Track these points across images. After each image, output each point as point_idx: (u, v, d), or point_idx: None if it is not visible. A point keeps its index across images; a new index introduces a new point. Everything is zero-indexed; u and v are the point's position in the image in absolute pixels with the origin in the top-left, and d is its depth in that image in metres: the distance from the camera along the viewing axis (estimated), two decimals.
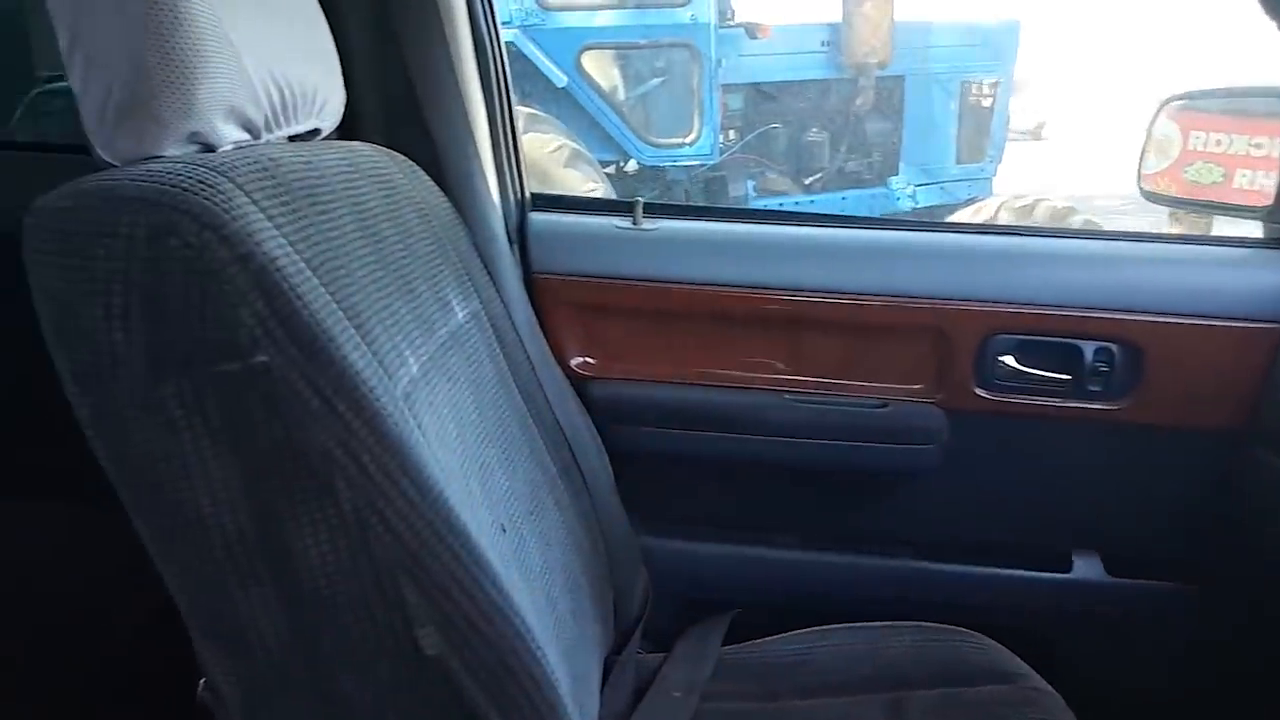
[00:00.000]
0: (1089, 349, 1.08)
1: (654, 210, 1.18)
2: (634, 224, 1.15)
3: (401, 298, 0.71)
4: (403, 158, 0.87)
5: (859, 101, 5.08)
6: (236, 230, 0.52)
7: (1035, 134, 11.15)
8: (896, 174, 5.24)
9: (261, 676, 0.56)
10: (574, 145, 4.45)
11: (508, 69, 1.12)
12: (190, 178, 0.53)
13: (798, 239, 1.15)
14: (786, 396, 1.13)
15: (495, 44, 1.09)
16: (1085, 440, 1.12)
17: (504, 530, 0.76)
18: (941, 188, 5.32)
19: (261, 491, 0.53)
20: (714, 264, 1.12)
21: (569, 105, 4.80)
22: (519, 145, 1.15)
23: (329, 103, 0.76)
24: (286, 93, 0.68)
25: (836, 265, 1.12)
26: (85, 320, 0.50)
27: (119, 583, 1.04)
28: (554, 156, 4.30)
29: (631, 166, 5.22)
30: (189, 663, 0.60)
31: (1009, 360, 1.11)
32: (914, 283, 1.09)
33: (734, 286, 1.11)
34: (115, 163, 0.58)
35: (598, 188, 4.51)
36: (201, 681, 0.60)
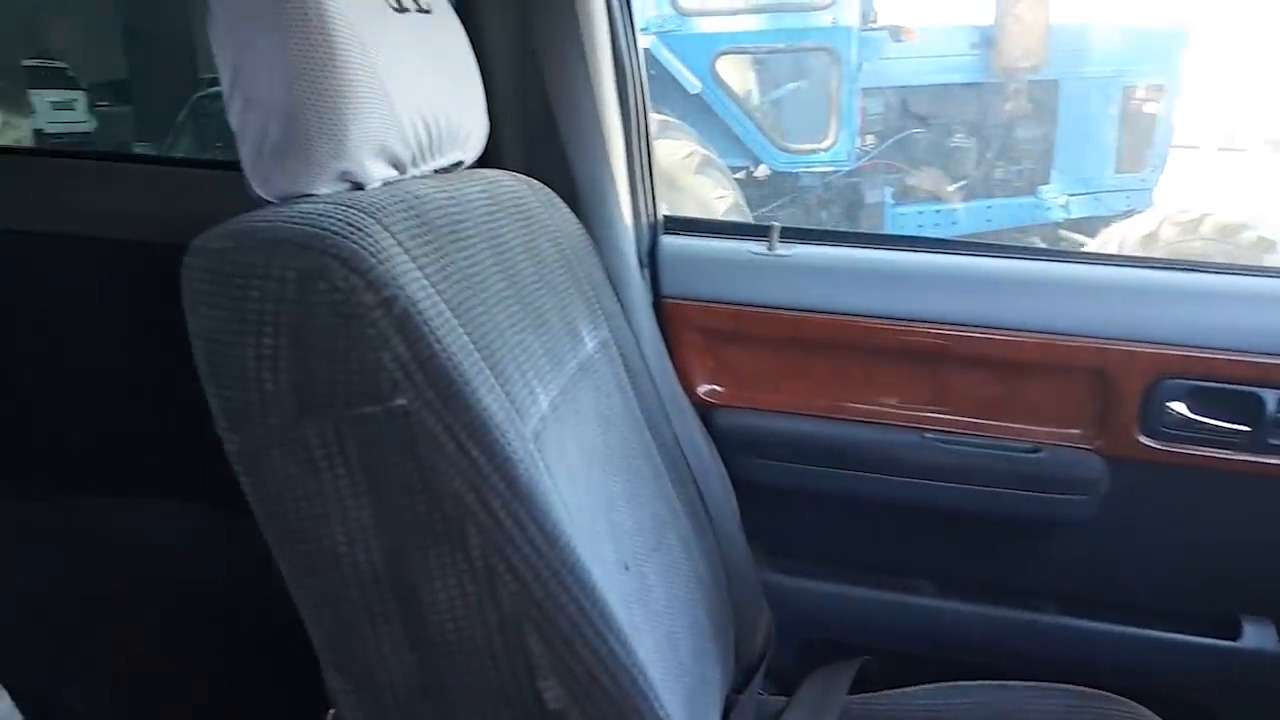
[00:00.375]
0: (1271, 398, 0.99)
1: (790, 235, 1.15)
2: (769, 249, 1.13)
3: (534, 332, 0.71)
4: (540, 185, 0.88)
5: (1009, 106, 4.88)
6: (381, 274, 0.53)
7: (1226, 146, 10.34)
8: (1047, 182, 4.99)
9: (388, 716, 0.57)
10: (704, 152, 4.44)
11: (646, 90, 1.12)
12: (340, 220, 0.54)
13: (946, 268, 1.10)
14: (928, 436, 1.08)
15: (635, 65, 1.09)
16: (1262, 497, 1.02)
17: (627, 569, 0.76)
18: (1096, 198, 5.04)
19: (395, 533, 0.54)
20: (854, 293, 1.09)
21: (701, 111, 4.79)
22: (653, 167, 1.15)
23: (473, 134, 0.78)
24: (433, 128, 0.69)
25: (988, 297, 1.06)
26: (236, 360, 0.52)
27: (255, 591, 1.10)
28: (685, 163, 4.31)
29: (762, 172, 5.17)
30: (315, 684, 0.62)
31: (1179, 407, 1.03)
32: (1075, 319, 1.03)
33: (875, 317, 1.07)
34: (270, 199, 0.61)
35: (727, 195, 4.49)
36: (330, 712, 0.62)
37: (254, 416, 0.53)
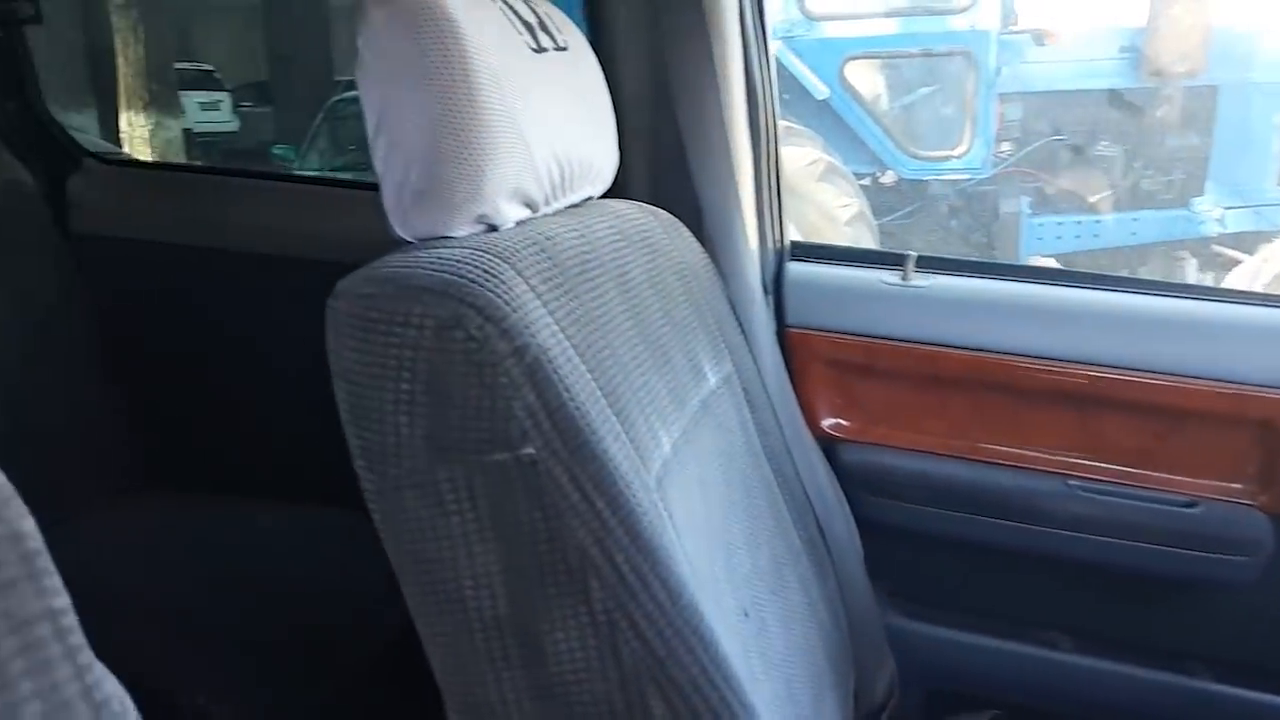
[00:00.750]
0: None
1: (927, 264, 1.11)
2: (903, 279, 1.09)
3: (658, 371, 0.71)
4: (665, 215, 0.88)
5: (1160, 113, 4.61)
6: (515, 323, 0.54)
7: None
8: (1201, 194, 4.70)
9: None
10: (829, 159, 4.36)
11: (777, 111, 1.10)
12: (476, 267, 0.55)
13: (1098, 304, 1.04)
14: (1072, 484, 1.03)
15: (767, 87, 1.07)
16: None
17: (746, 615, 0.75)
18: (1256, 212, 4.71)
19: (519, 580, 0.55)
20: (995, 328, 1.04)
21: (827, 117, 4.71)
22: (781, 191, 1.13)
23: (604, 169, 0.78)
24: (566, 167, 0.70)
25: (1144, 337, 1.00)
26: (375, 403, 0.54)
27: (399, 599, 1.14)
28: (808, 170, 4.24)
29: (889, 179, 5.06)
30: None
31: None
32: (1241, 364, 0.96)
33: (1019, 355, 1.02)
34: (409, 239, 0.63)
35: (852, 203, 4.40)
36: None
37: (389, 458, 0.54)
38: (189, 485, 1.39)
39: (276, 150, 6.29)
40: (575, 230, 0.69)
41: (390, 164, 0.62)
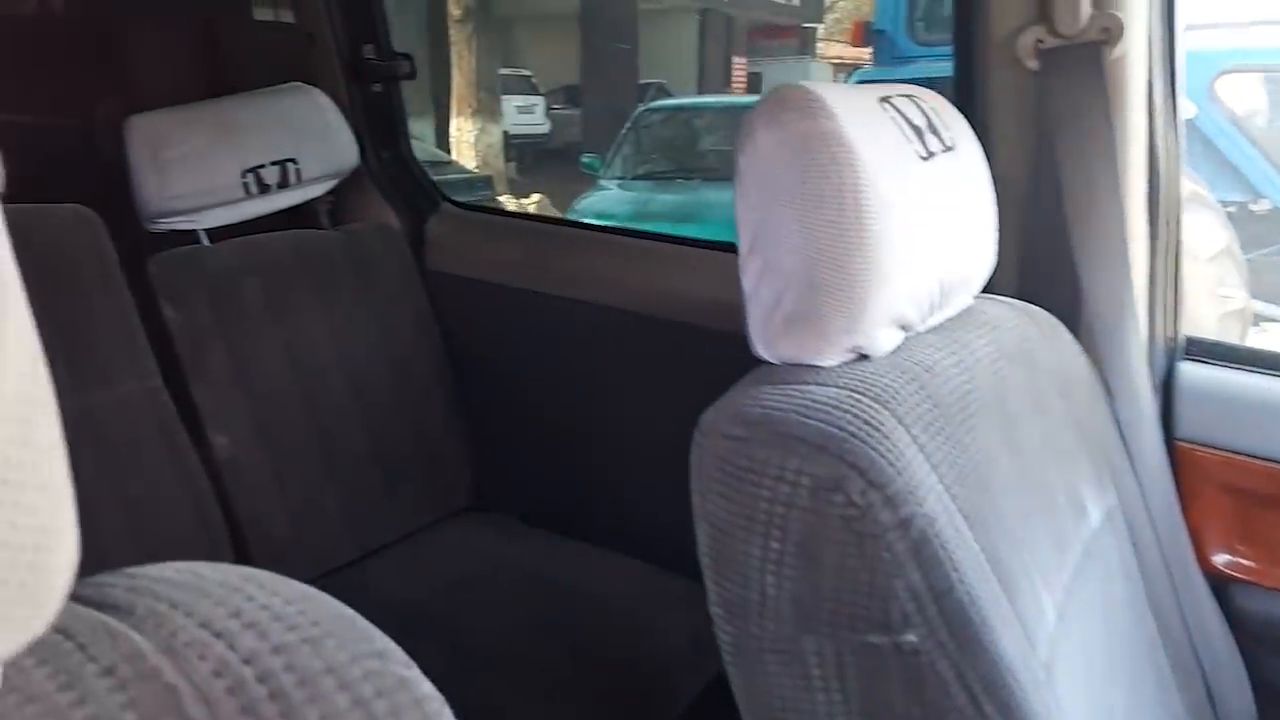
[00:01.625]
0: None
1: None
2: None
3: (1041, 517, 0.64)
4: (1043, 316, 0.80)
5: None
6: (900, 489, 0.50)
7: None
8: None
9: None
10: (1193, 186, 3.90)
11: (1180, 183, 0.97)
12: (856, 415, 0.52)
13: None
14: None
15: (1173, 155, 0.95)
16: None
17: None
18: None
19: None
20: None
21: (1192, 138, 4.22)
22: (1180, 275, 0.99)
23: (981, 273, 0.72)
24: (945, 284, 0.65)
25: None
26: (740, 556, 0.52)
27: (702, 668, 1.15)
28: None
29: (1262, 207, 4.45)
30: None
31: None
32: None
33: None
34: (771, 360, 0.60)
35: (1218, 235, 3.90)
36: None
37: (750, 615, 0.52)
38: (511, 514, 1.49)
39: (585, 159, 6.66)
40: (953, 354, 0.64)
41: (762, 285, 0.60)
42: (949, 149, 0.67)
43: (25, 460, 0.20)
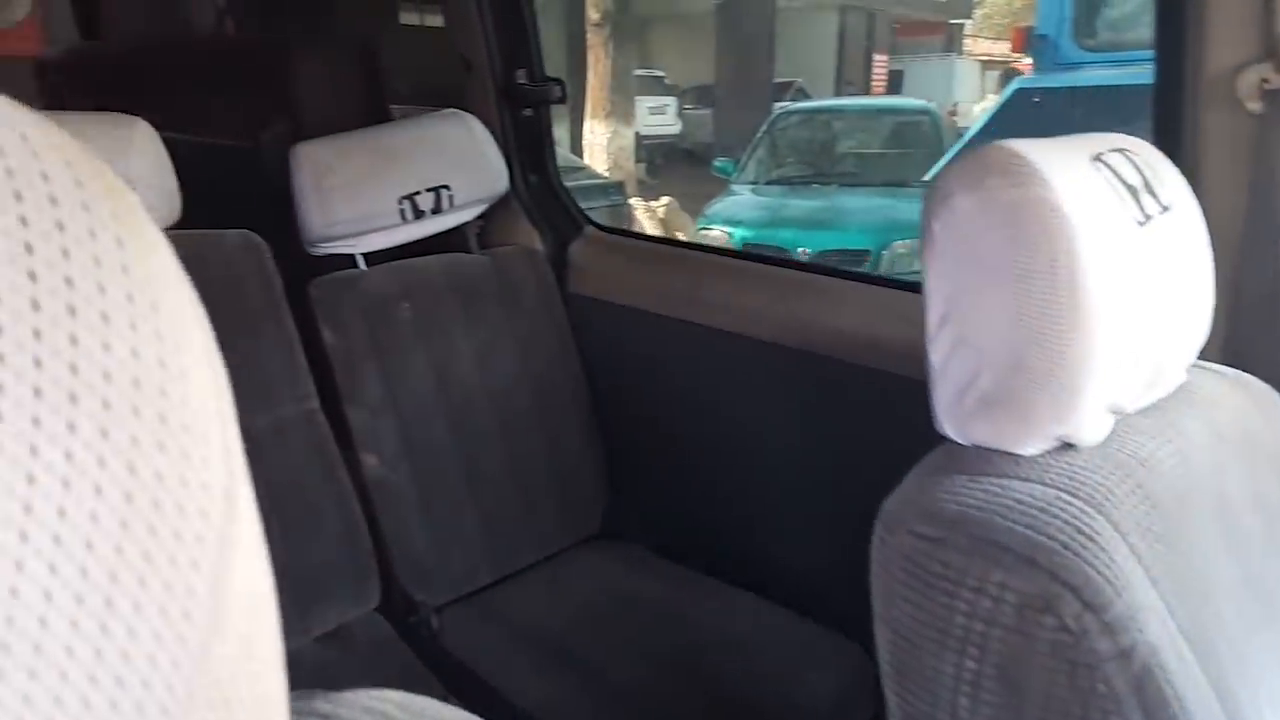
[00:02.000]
0: None
1: None
2: None
3: (1263, 632, 0.58)
4: (1259, 386, 0.73)
5: None
6: (1120, 614, 0.45)
7: None
8: None
9: None
10: None
11: None
12: (1068, 522, 0.48)
13: None
14: None
15: None
16: None
17: None
18: None
19: None
20: None
21: None
22: None
23: (1196, 344, 0.66)
24: (1160, 361, 0.59)
25: None
26: (929, 672, 0.49)
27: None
28: None
29: None
30: None
31: None
32: None
33: None
34: (960, 441, 0.57)
35: None
36: None
37: None
38: (643, 544, 1.48)
39: (718, 163, 6.61)
40: (1169, 443, 0.58)
41: (954, 360, 0.56)
42: (1165, 209, 0.61)
43: None
